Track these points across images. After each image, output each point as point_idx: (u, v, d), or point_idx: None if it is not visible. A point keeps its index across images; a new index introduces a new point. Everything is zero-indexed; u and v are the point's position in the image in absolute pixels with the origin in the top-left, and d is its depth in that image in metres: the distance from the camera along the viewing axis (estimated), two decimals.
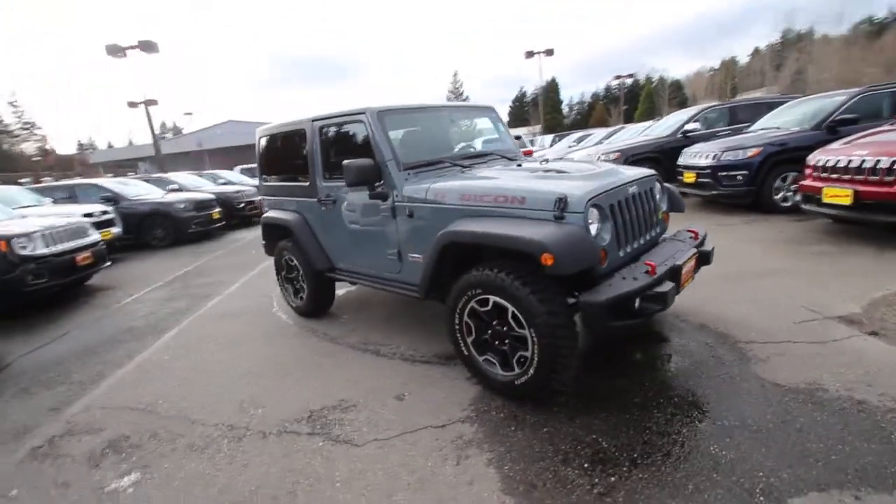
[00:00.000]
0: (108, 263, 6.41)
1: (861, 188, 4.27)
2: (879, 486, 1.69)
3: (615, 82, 44.79)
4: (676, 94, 54.03)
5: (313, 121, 3.59)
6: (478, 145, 3.98)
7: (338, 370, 3.13)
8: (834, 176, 4.59)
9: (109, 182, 10.53)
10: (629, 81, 46.63)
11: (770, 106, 8.07)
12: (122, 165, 39.74)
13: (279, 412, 2.66)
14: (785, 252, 4.62)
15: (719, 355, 2.74)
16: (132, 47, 17.94)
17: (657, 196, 2.97)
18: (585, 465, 1.97)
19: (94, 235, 6.25)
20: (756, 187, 6.27)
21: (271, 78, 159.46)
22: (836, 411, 2.13)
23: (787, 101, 7.75)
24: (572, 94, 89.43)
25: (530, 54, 24.35)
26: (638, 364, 2.79)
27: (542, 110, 34.19)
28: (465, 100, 56.04)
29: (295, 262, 4.00)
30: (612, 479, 1.87)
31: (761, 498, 1.70)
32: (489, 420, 2.38)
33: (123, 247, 8.82)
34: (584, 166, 3.05)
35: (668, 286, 2.31)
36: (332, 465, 2.16)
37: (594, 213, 2.35)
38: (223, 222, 10.28)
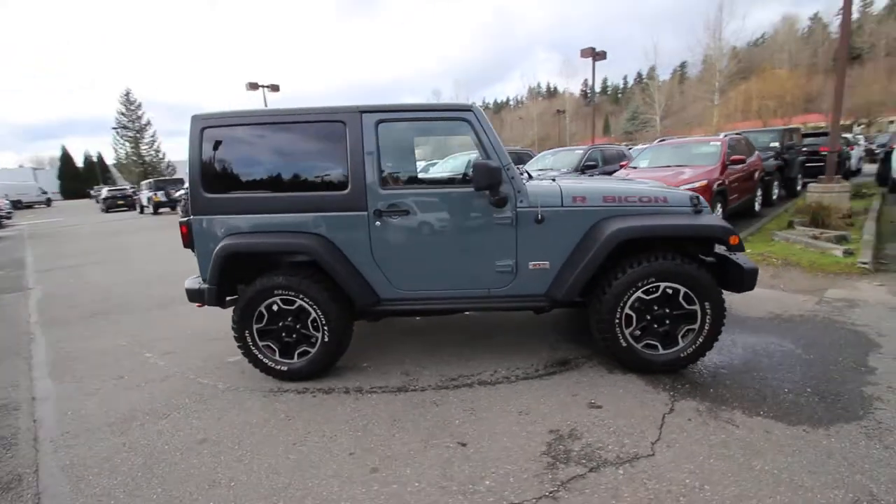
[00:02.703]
0: None
1: None
2: None
3: None
4: None
5: (362, 112, 2.80)
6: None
7: (485, 420, 2.56)
8: None
9: None
10: None
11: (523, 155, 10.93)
12: None
13: None
14: None
15: None
16: None
17: None
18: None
19: None
20: None
21: None
22: None
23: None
24: None
25: (254, 86, 22.86)
26: None
27: None
28: None
29: (304, 302, 2.86)
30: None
31: None
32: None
33: None
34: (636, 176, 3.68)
35: None
36: None
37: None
38: None
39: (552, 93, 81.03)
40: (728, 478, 1.94)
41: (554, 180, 3.09)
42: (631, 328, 2.79)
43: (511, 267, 2.88)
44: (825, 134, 11.51)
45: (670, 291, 2.72)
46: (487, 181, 2.63)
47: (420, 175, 3.54)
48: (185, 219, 3.02)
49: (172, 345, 3.88)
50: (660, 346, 2.81)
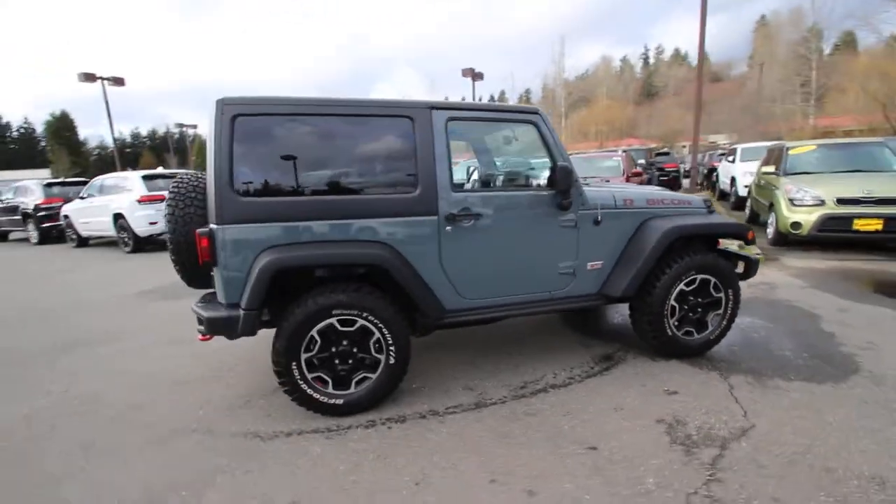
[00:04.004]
0: None
1: None
2: None
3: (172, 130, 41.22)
4: None
5: (432, 108, 2.57)
6: None
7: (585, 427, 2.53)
8: None
9: None
10: (192, 131, 44.04)
11: None
12: None
13: None
14: None
15: None
16: None
17: None
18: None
19: None
20: None
21: None
22: None
23: None
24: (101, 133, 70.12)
25: (90, 78, 18.53)
26: None
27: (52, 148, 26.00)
28: None
29: (367, 322, 2.49)
30: None
31: None
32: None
33: None
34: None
35: None
36: None
37: None
38: None
39: None
40: (821, 433, 2.27)
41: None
42: (674, 318, 3.08)
43: (572, 268, 2.94)
44: (666, 153, 14.40)
45: (705, 282, 3.08)
46: (567, 184, 2.66)
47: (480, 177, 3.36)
48: (206, 229, 2.38)
49: (132, 396, 2.98)
50: (695, 332, 3.15)
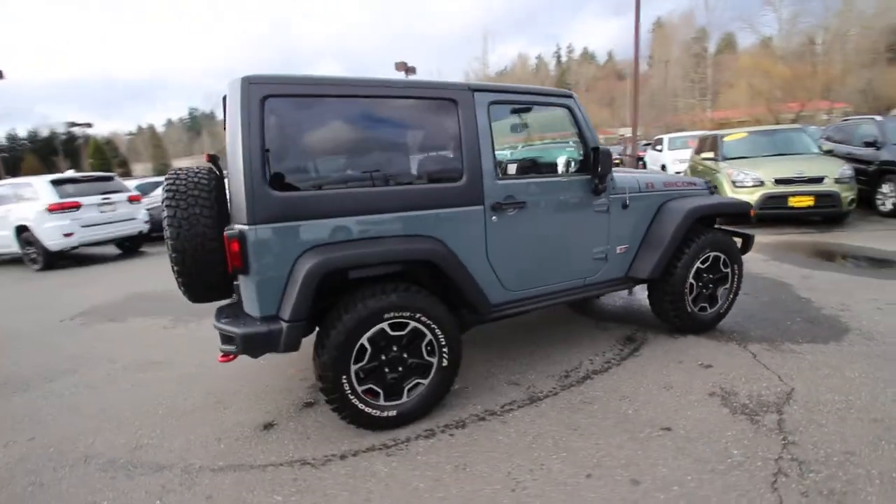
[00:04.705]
0: None
1: None
2: None
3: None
4: (116, 154, 54.71)
5: (474, 90, 2.40)
6: None
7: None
8: None
9: None
10: (86, 131, 39.09)
11: None
12: None
13: None
14: None
15: None
16: None
17: None
18: None
19: None
20: None
21: None
22: None
23: None
24: None
25: None
26: None
27: None
28: None
29: (419, 323, 2.29)
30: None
31: None
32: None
33: None
34: None
35: None
36: None
37: None
38: None
39: None
40: (851, 388, 2.47)
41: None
42: (692, 295, 3.21)
43: (604, 253, 2.95)
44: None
45: (716, 259, 3.24)
46: (608, 168, 2.64)
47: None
48: (234, 231, 2.03)
49: (124, 436, 2.50)
50: (707, 307, 3.31)
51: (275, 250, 2.06)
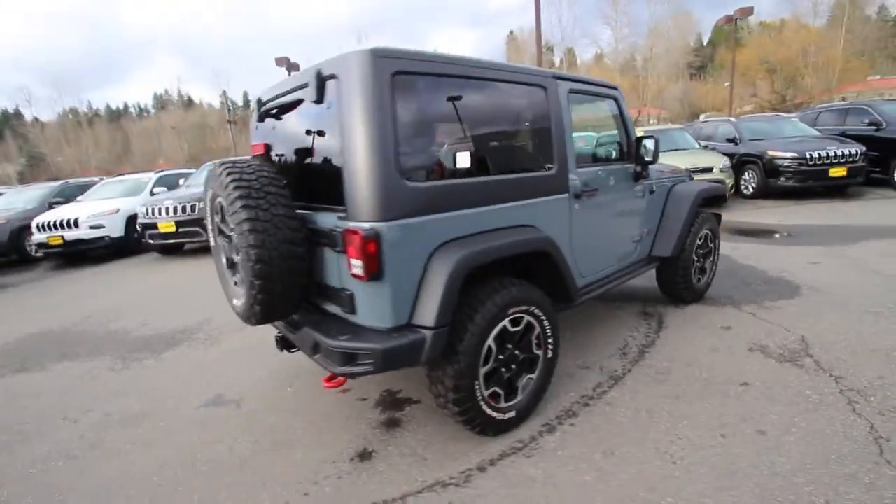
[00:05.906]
0: None
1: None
2: None
3: None
4: None
5: (557, 79, 2.38)
6: None
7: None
8: None
9: None
10: None
11: None
12: None
13: None
14: None
15: None
16: None
17: None
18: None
19: None
20: None
21: None
22: None
23: None
24: None
25: None
26: None
27: None
28: None
29: (531, 317, 2.22)
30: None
31: None
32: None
33: None
34: None
35: None
36: None
37: None
38: None
39: (188, 103, 72.53)
40: (843, 328, 3.04)
41: None
42: (694, 269, 3.64)
43: (640, 236, 3.19)
44: None
45: (707, 236, 3.72)
46: (656, 156, 2.85)
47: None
48: (370, 230, 1.72)
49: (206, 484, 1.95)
50: (701, 279, 3.79)
51: (411, 249, 1.81)
